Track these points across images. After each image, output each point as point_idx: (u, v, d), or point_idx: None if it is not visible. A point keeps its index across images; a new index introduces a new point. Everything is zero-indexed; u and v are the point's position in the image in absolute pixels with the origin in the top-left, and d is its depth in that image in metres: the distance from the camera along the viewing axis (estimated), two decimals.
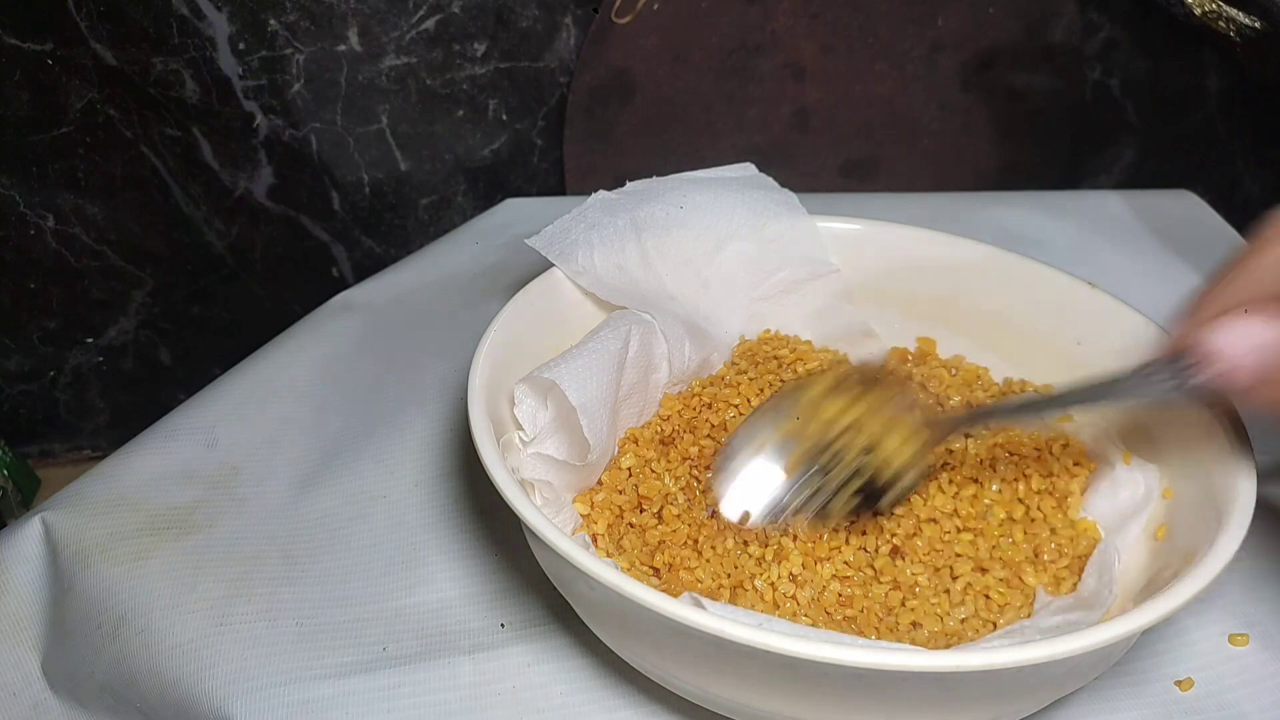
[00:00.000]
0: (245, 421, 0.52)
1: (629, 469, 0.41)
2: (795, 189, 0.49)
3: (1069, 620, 0.34)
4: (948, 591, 0.36)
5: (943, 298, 0.48)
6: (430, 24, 0.77)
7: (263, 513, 0.47)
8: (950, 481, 0.39)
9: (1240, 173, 0.95)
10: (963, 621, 0.36)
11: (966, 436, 0.41)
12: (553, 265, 0.45)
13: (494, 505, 0.46)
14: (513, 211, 0.71)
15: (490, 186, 0.87)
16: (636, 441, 0.43)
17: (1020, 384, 0.45)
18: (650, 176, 0.50)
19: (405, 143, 0.82)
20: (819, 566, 0.36)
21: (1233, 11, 0.72)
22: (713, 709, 0.34)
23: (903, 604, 0.36)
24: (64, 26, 0.72)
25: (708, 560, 0.37)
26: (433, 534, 0.45)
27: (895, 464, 0.37)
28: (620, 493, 0.40)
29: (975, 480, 0.39)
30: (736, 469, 0.38)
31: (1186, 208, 0.70)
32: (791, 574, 0.36)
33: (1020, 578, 0.37)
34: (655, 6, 0.76)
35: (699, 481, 0.40)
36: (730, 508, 0.37)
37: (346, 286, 0.63)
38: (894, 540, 0.37)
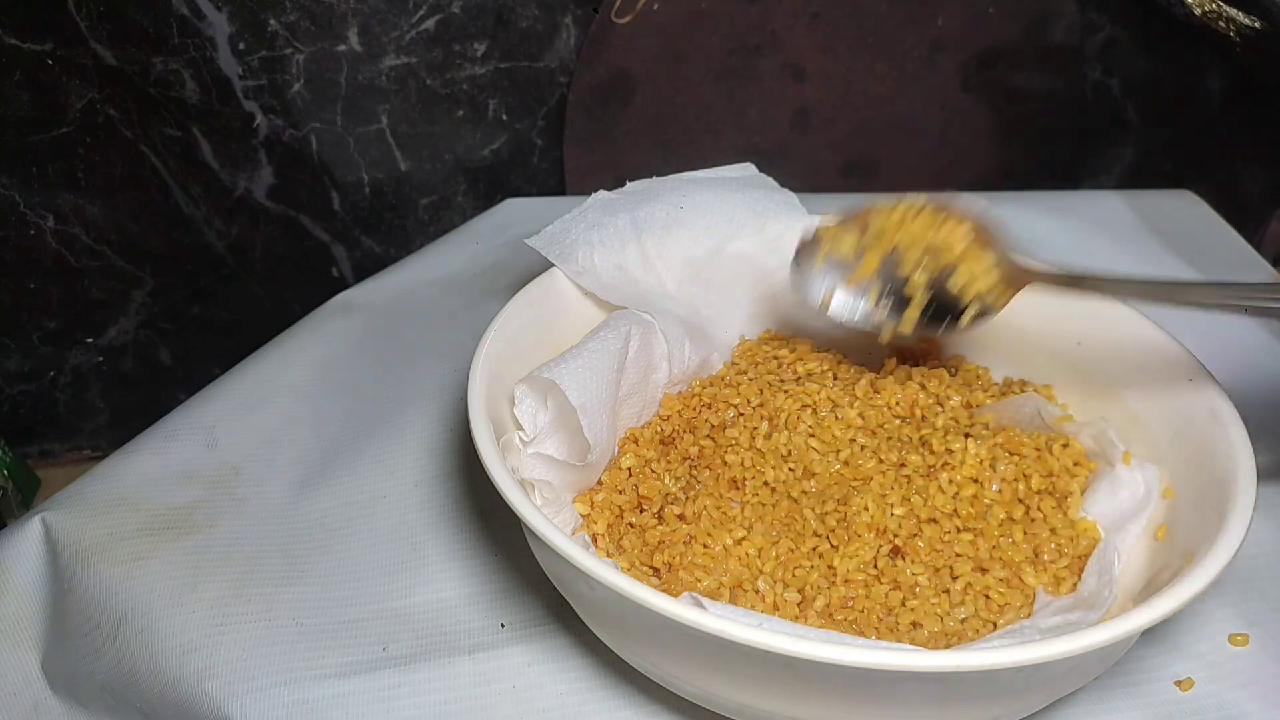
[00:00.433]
0: (245, 421, 0.52)
1: (629, 469, 0.41)
2: (795, 189, 0.49)
3: (1069, 620, 0.34)
4: (948, 591, 0.36)
5: None
6: (430, 24, 0.77)
7: (263, 513, 0.47)
8: (950, 481, 0.39)
9: (1240, 173, 0.95)
10: (963, 621, 0.36)
11: (967, 437, 0.41)
12: (553, 265, 0.45)
13: (494, 505, 0.46)
14: (513, 211, 0.71)
15: (490, 186, 0.87)
16: (636, 441, 0.43)
17: (1020, 384, 0.45)
18: (650, 176, 0.50)
19: (405, 143, 0.82)
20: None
21: (1233, 11, 0.72)
22: (713, 709, 0.34)
23: (903, 604, 0.36)
24: (64, 26, 0.72)
25: (708, 560, 0.37)
26: (433, 534, 0.45)
27: (973, 290, 0.38)
28: (620, 493, 0.40)
29: (975, 480, 0.39)
30: (815, 263, 0.39)
31: (1186, 208, 0.70)
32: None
33: (1020, 578, 0.37)
34: (655, 6, 0.76)
35: (699, 482, 0.40)
36: (813, 289, 0.38)
37: (346, 286, 0.63)
38: (894, 540, 0.37)
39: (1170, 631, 0.40)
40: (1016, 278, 0.38)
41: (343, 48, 0.76)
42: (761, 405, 0.43)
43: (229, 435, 0.51)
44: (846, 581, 0.36)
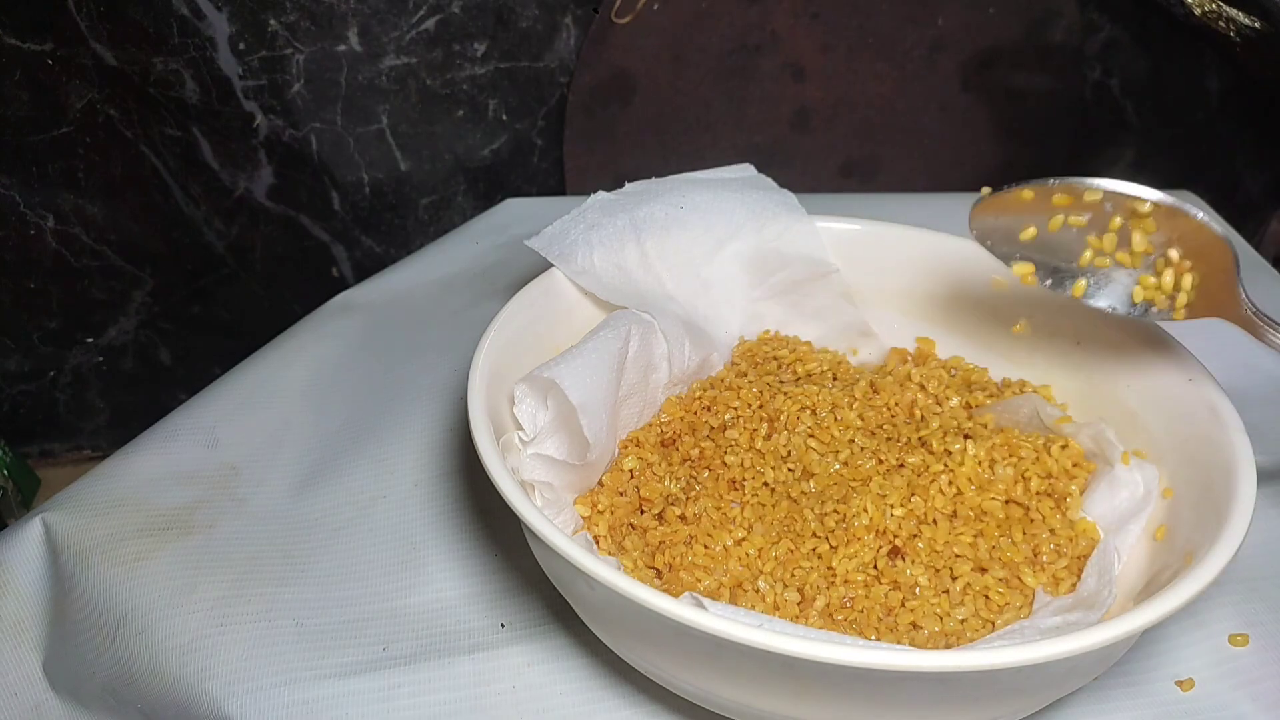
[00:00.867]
0: (245, 421, 0.52)
1: (630, 471, 0.41)
2: (795, 189, 0.49)
3: (1069, 620, 0.34)
4: (947, 592, 0.36)
5: (942, 298, 0.48)
6: (430, 24, 0.77)
7: (263, 513, 0.47)
8: (949, 482, 0.39)
9: (1240, 173, 0.95)
10: (962, 622, 0.36)
11: (966, 437, 0.41)
12: (552, 265, 0.45)
13: (494, 505, 0.46)
14: (513, 211, 0.71)
15: (490, 186, 0.87)
16: (638, 444, 0.43)
17: (1019, 384, 0.45)
18: (650, 177, 0.50)
19: (405, 143, 0.82)
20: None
21: (1233, 11, 0.72)
22: (712, 709, 0.34)
23: (902, 604, 0.36)
24: (64, 26, 0.72)
25: (709, 560, 0.37)
26: (433, 534, 0.45)
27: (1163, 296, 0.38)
28: (621, 494, 0.41)
29: (974, 481, 0.40)
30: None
31: None
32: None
33: (1019, 578, 0.37)
34: (655, 6, 0.76)
35: (699, 484, 0.40)
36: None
37: (346, 286, 0.63)
38: (894, 541, 0.37)
39: (1170, 632, 0.40)
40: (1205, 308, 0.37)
41: (343, 48, 0.76)
42: (761, 407, 0.43)
43: (229, 435, 0.51)
44: (846, 582, 0.36)
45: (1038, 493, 0.39)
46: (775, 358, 0.46)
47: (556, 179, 0.87)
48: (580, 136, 0.82)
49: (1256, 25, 0.71)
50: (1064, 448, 0.41)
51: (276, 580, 0.43)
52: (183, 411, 0.52)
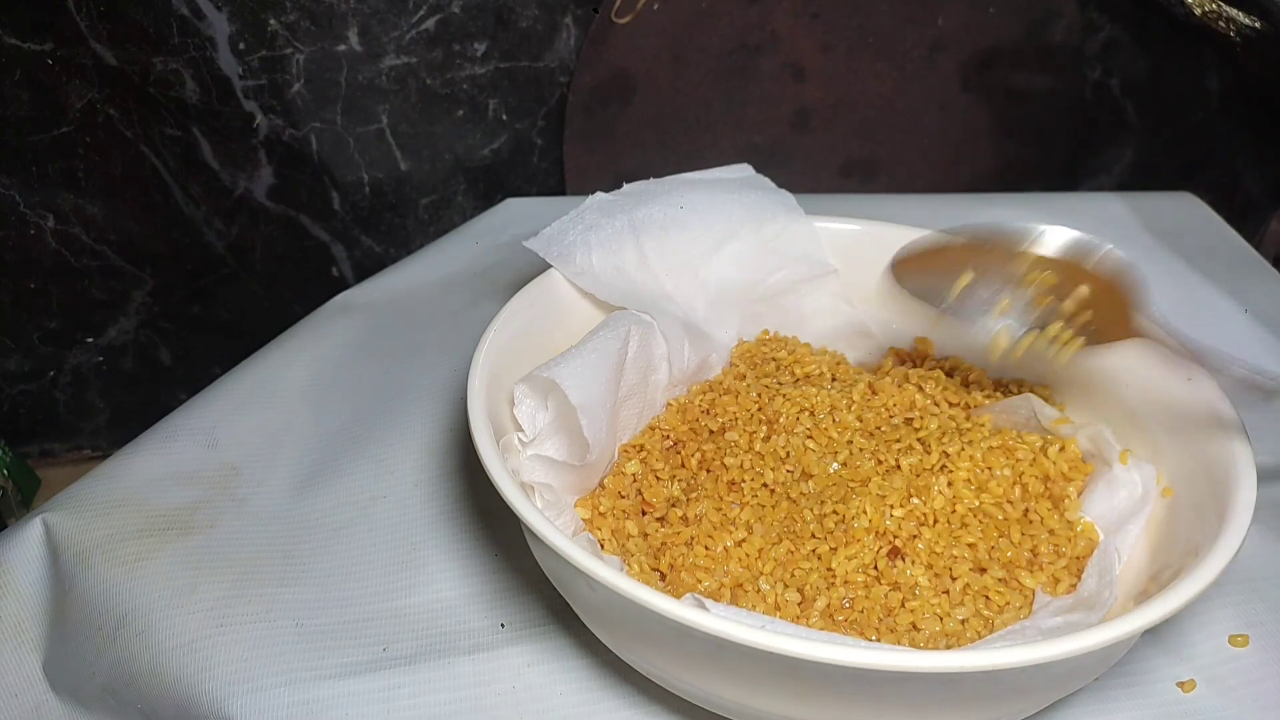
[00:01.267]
0: (245, 421, 0.52)
1: (633, 475, 0.41)
2: (795, 189, 0.49)
3: (1069, 621, 0.34)
4: (947, 592, 0.36)
5: None
6: (430, 24, 0.77)
7: (263, 513, 0.47)
8: (949, 483, 0.39)
9: (1240, 173, 0.95)
10: (963, 622, 0.36)
11: (964, 438, 0.41)
12: (552, 265, 0.45)
13: (494, 505, 0.46)
14: (513, 211, 0.71)
15: (490, 186, 0.87)
16: (640, 447, 0.43)
17: (1017, 384, 0.45)
18: (650, 177, 0.50)
19: (405, 143, 0.82)
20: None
21: (1233, 11, 0.72)
22: (713, 709, 0.34)
23: (902, 605, 0.36)
24: (64, 26, 0.72)
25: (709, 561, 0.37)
26: (433, 534, 0.45)
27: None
28: (623, 497, 0.41)
29: (974, 482, 0.39)
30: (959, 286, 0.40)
31: (1186, 209, 0.70)
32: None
33: (1018, 579, 0.37)
34: (655, 6, 0.76)
35: (699, 485, 0.40)
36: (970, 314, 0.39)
37: (346, 286, 0.63)
38: (893, 541, 0.37)
39: (1170, 632, 0.40)
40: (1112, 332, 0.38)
41: (343, 48, 0.76)
42: (760, 409, 0.43)
43: (229, 435, 0.51)
44: (846, 583, 0.36)
45: (1036, 494, 0.39)
46: (774, 359, 0.46)
47: (556, 179, 0.87)
48: (580, 136, 0.82)
49: (1256, 25, 0.71)
50: (1061, 450, 0.41)
51: (276, 580, 0.43)
52: (183, 411, 0.52)
